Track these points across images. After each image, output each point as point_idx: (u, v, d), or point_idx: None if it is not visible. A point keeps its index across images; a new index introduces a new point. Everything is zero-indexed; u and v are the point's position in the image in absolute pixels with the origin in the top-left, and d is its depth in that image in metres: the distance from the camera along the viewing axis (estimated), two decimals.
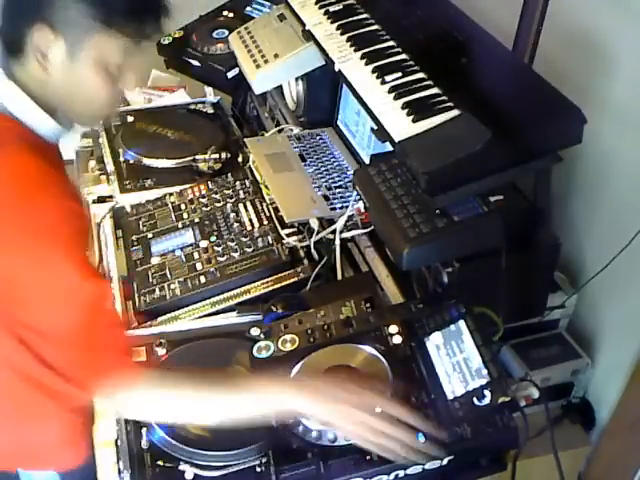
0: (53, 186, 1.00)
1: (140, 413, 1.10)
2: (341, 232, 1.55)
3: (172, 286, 1.50)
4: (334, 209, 1.64)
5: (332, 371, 1.16)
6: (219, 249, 1.57)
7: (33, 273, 0.97)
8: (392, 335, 1.23)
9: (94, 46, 1.01)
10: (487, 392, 1.10)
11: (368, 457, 1.07)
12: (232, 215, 1.67)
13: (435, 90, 1.34)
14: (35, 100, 1.04)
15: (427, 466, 1.08)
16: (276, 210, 1.66)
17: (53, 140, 1.10)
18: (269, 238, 1.59)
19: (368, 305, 1.39)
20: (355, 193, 1.46)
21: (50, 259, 0.98)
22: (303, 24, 1.72)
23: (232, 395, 1.07)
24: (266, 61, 1.82)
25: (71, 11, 0.97)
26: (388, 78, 1.40)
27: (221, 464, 1.12)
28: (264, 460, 1.12)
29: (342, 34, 1.59)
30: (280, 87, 2.06)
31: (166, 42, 2.23)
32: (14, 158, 0.98)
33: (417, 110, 1.29)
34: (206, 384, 1.07)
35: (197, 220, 1.67)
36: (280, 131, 2.00)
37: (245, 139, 1.92)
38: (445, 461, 1.09)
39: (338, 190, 1.71)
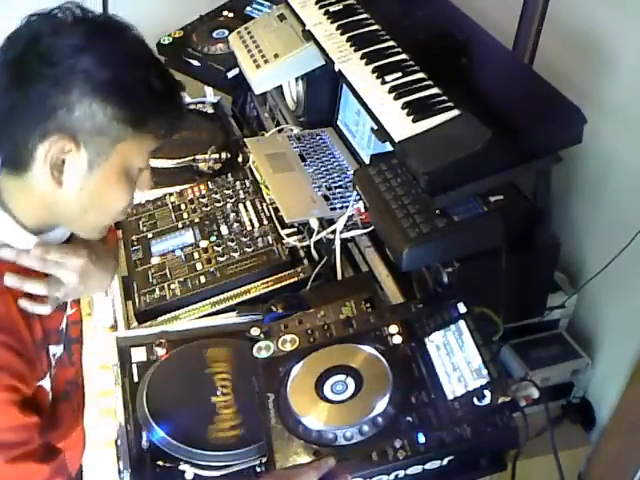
0: None
1: None
2: (341, 232, 1.55)
3: (172, 286, 1.50)
4: (334, 209, 1.64)
5: None
6: (219, 249, 1.57)
7: None
8: (392, 335, 1.23)
9: (118, 153, 0.88)
10: (487, 392, 1.10)
11: (368, 457, 1.07)
12: (232, 215, 1.67)
13: (435, 90, 1.34)
14: (25, 219, 0.93)
15: (427, 466, 1.08)
16: (276, 210, 1.66)
17: None
18: (269, 238, 1.59)
19: (368, 305, 1.39)
20: (355, 193, 1.46)
21: None
22: (303, 24, 1.72)
23: None
24: (266, 61, 1.82)
25: (94, 117, 0.84)
26: (388, 78, 1.40)
27: (221, 464, 1.12)
28: (264, 460, 1.12)
29: (342, 34, 1.59)
30: (280, 87, 2.06)
31: (166, 42, 2.23)
32: None
33: (417, 110, 1.29)
34: None
35: (197, 220, 1.67)
36: (280, 131, 2.00)
37: (245, 139, 1.92)
38: (445, 461, 1.09)
39: (338, 190, 1.71)
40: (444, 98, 1.31)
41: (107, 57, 0.84)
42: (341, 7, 1.69)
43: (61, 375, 1.14)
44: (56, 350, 1.11)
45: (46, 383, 1.07)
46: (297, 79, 1.96)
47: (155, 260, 1.57)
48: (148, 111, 0.88)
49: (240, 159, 1.90)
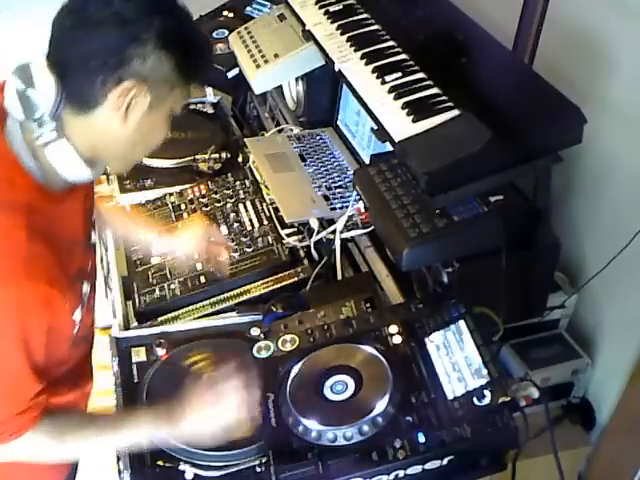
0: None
1: (32, 458, 1.13)
2: (341, 232, 1.55)
3: (172, 286, 1.50)
4: (334, 209, 1.64)
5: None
6: None
7: None
8: (392, 335, 1.23)
9: (172, 98, 1.04)
10: (487, 392, 1.10)
11: (368, 457, 1.07)
12: (232, 215, 1.67)
13: (435, 90, 1.34)
14: (81, 152, 1.04)
15: (427, 466, 1.08)
16: (276, 210, 1.66)
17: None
18: (269, 238, 1.59)
19: (368, 305, 1.39)
20: (355, 193, 1.46)
21: None
22: (303, 24, 1.72)
23: (113, 434, 1.12)
24: (266, 61, 1.82)
25: (159, 65, 0.99)
26: (388, 78, 1.40)
27: (221, 464, 1.12)
28: (264, 460, 1.12)
29: (342, 34, 1.59)
30: (280, 87, 2.06)
31: None
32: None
33: (417, 110, 1.29)
34: (90, 427, 1.13)
35: None
36: (280, 131, 2.00)
37: (245, 139, 1.93)
38: (445, 461, 1.09)
39: (338, 190, 1.71)
40: (444, 98, 1.31)
41: (172, 18, 1.00)
42: (341, 7, 1.69)
43: (85, 319, 1.18)
44: (86, 289, 1.17)
45: (77, 317, 1.13)
46: (297, 79, 1.96)
47: (155, 260, 1.57)
48: (197, 64, 1.04)
49: (240, 159, 1.90)
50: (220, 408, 1.11)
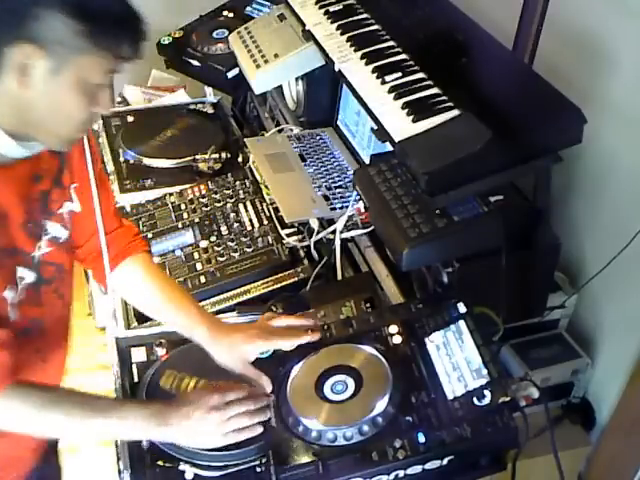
0: None
1: (7, 424, 1.10)
2: (341, 232, 1.55)
3: None
4: (334, 209, 1.64)
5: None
6: (219, 249, 1.57)
7: None
8: (392, 335, 1.23)
9: (78, 65, 0.98)
10: (487, 392, 1.10)
11: (368, 457, 1.07)
12: (232, 215, 1.67)
13: (435, 90, 1.34)
14: (5, 126, 1.01)
15: (427, 466, 1.08)
16: (276, 210, 1.66)
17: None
18: (269, 238, 1.59)
19: (368, 305, 1.39)
20: (355, 193, 1.46)
21: None
22: (303, 24, 1.72)
23: (98, 418, 1.09)
24: (266, 61, 1.82)
25: (58, 28, 0.94)
26: (388, 78, 1.40)
27: (221, 464, 1.12)
28: (264, 460, 1.12)
29: (342, 34, 1.59)
30: (280, 87, 2.06)
31: (166, 42, 2.23)
32: None
33: (417, 110, 1.29)
34: (75, 404, 1.10)
35: (197, 220, 1.67)
36: (280, 131, 2.00)
37: (245, 139, 1.93)
38: (445, 461, 1.09)
39: (338, 190, 1.71)
40: (444, 98, 1.31)
41: None
42: (341, 7, 1.69)
43: (27, 309, 1.15)
44: (25, 275, 1.13)
45: (10, 297, 1.10)
46: (297, 79, 1.96)
47: (155, 260, 1.57)
48: (107, 29, 0.98)
49: (240, 159, 1.90)
50: (219, 418, 1.11)
